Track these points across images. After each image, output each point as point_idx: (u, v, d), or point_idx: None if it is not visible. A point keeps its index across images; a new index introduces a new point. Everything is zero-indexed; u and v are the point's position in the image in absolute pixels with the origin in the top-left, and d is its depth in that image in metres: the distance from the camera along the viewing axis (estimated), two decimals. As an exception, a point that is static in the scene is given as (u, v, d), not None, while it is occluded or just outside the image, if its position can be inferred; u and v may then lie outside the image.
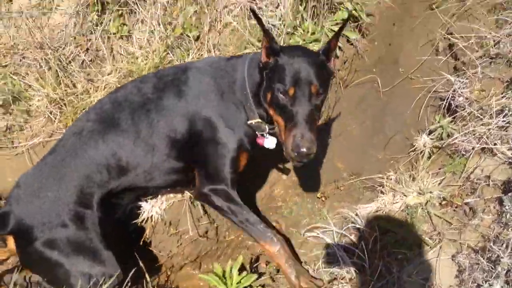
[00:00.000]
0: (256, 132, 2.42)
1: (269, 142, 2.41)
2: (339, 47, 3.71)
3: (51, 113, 3.00)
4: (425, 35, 4.12)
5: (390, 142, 3.43)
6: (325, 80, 2.23)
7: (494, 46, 3.51)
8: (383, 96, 3.77)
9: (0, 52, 3.05)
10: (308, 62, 2.17)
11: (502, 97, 3.04)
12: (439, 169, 2.94)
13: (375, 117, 3.63)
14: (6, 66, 3.03)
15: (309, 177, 3.14)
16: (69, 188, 2.32)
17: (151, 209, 2.83)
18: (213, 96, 2.38)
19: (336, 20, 3.70)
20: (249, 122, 2.38)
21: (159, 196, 2.90)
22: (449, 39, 3.82)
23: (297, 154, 2.11)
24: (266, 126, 2.40)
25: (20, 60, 3.06)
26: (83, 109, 2.96)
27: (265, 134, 2.40)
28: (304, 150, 2.08)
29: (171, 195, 2.93)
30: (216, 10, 3.39)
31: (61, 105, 2.99)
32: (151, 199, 2.88)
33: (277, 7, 3.43)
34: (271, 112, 2.26)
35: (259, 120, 2.37)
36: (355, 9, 3.82)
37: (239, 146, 2.40)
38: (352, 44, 3.89)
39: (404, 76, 3.87)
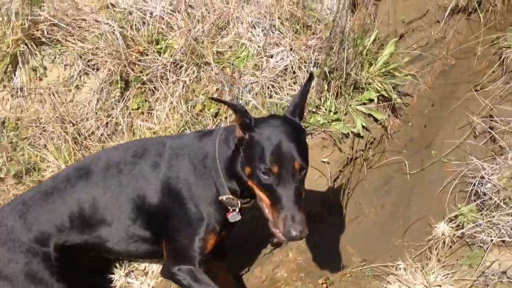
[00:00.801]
0: (229, 208, 2.29)
1: (232, 217, 2.28)
2: (366, 128, 3.59)
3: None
4: (465, 118, 3.97)
5: (411, 229, 3.22)
6: (306, 151, 2.10)
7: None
8: (410, 179, 3.59)
9: (23, 124, 3.19)
10: (287, 135, 2.03)
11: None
12: (457, 260, 2.71)
13: (397, 201, 3.45)
14: (25, 138, 3.17)
15: (315, 260, 2.97)
16: (28, 224, 2.34)
17: (140, 286, 2.76)
18: (186, 171, 2.31)
19: (362, 100, 3.62)
20: (220, 198, 2.28)
21: (147, 270, 2.83)
22: (489, 121, 3.66)
23: (288, 239, 1.99)
24: (239, 202, 2.27)
25: (41, 133, 3.19)
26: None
27: (236, 210, 2.28)
28: (297, 234, 1.95)
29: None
30: (238, 89, 3.41)
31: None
32: (140, 275, 2.82)
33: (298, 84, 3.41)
34: (251, 185, 2.13)
35: (230, 196, 2.26)
36: (384, 90, 3.72)
37: (207, 225, 2.28)
38: (381, 124, 3.76)
39: (436, 159, 3.69)
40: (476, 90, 4.21)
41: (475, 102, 4.04)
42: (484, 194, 3.03)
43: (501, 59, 4.39)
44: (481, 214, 2.86)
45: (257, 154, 2.05)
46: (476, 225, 2.75)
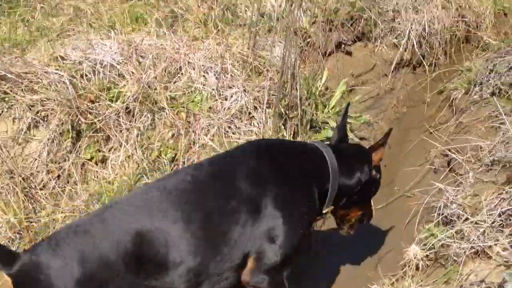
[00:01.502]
0: None
1: None
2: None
3: (10, 239, 2.86)
4: (422, 156, 4.03)
5: (383, 259, 3.12)
6: None
7: (489, 154, 3.36)
8: (377, 214, 3.52)
9: (-31, 183, 3.03)
10: None
11: (496, 198, 2.80)
12: (434, 281, 2.61)
13: (367, 237, 3.36)
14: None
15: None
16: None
17: None
18: None
19: (319, 138, 3.62)
20: None
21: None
22: (446, 155, 3.71)
23: None
24: None
25: (-12, 190, 3.02)
26: (43, 235, 2.82)
27: None
28: None
29: None
30: (194, 132, 3.36)
31: (21, 231, 2.87)
32: None
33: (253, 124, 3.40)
34: None
35: None
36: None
37: None
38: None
39: (399, 194, 3.68)
40: (430, 133, 4.33)
41: (430, 142, 4.10)
42: (451, 215, 3.00)
43: (450, 101, 4.56)
44: (450, 231, 2.81)
45: None
46: (447, 242, 2.70)
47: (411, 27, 5.13)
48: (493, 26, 5.84)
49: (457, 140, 3.84)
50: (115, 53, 3.44)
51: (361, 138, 4.30)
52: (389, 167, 4.18)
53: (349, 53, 5.10)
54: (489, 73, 4.22)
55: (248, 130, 3.43)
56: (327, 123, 3.69)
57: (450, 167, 3.61)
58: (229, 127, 3.41)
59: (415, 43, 5.16)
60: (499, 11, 5.91)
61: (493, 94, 4.18)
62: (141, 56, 3.51)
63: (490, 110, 4.02)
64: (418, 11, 5.15)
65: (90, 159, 3.28)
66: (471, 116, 4.19)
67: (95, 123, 3.25)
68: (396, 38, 5.20)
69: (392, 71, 5.08)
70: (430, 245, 2.81)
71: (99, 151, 3.30)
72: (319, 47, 4.72)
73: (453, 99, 4.55)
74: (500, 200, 2.79)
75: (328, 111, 3.78)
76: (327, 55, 4.99)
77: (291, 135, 3.52)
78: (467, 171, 3.25)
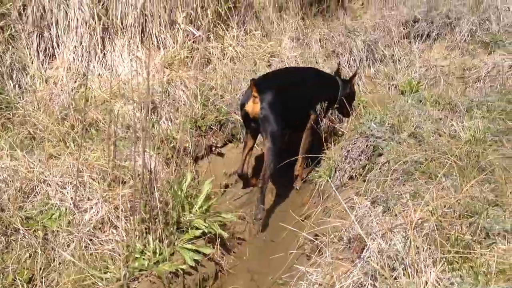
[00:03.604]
0: None
1: None
2: (197, 263, 3.56)
3: None
4: (295, 242, 4.14)
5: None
6: None
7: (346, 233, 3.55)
8: (253, 307, 3.54)
9: None
10: None
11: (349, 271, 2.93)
12: None
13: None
14: None
15: None
16: None
17: None
18: None
19: (187, 238, 3.64)
20: None
21: None
22: (314, 240, 3.85)
23: None
24: None
25: None
26: None
27: None
28: None
29: None
30: (53, 249, 3.27)
31: None
32: None
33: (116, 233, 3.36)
34: None
35: None
36: (211, 227, 3.81)
37: None
38: (213, 260, 3.76)
39: (272, 283, 3.72)
40: (302, 220, 4.50)
41: (301, 229, 4.25)
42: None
43: (317, 188, 4.82)
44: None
45: None
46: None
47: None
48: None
49: (323, 223, 4.03)
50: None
51: (235, 232, 4.39)
52: (265, 255, 4.30)
53: (221, 154, 5.33)
54: (345, 159, 4.54)
55: (110, 239, 3.39)
56: (195, 222, 3.73)
57: (318, 249, 3.76)
58: (91, 240, 3.35)
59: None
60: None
61: (351, 177, 4.49)
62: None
63: (348, 193, 4.31)
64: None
65: None
66: (333, 200, 4.44)
67: None
68: (264, 136, 5.51)
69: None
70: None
71: None
72: (189, 152, 4.90)
73: (319, 186, 4.82)
74: (351, 273, 2.92)
75: (196, 211, 3.84)
76: (199, 158, 5.18)
77: (157, 239, 3.51)
78: (325, 248, 3.41)
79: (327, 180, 4.74)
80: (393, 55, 7.36)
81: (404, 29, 7.45)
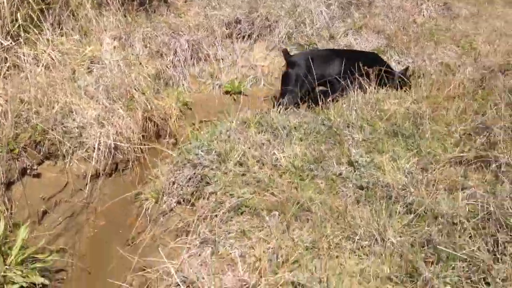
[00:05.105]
0: None
1: None
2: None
3: None
4: (123, 277, 4.03)
5: None
6: None
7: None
8: None
9: None
10: None
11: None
12: None
13: None
14: None
15: None
16: None
17: None
18: None
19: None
20: None
21: None
22: (143, 275, 3.78)
23: None
24: None
25: None
26: None
27: None
28: None
29: None
30: None
31: None
32: None
33: None
34: None
35: None
36: (28, 276, 3.51)
37: None
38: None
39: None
40: (128, 245, 4.40)
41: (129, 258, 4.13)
42: None
43: (144, 210, 4.73)
44: None
45: None
46: None
47: (100, 140, 5.20)
48: (179, 119, 6.40)
49: (153, 255, 3.95)
50: None
51: (58, 271, 4.12)
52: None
53: (37, 176, 4.90)
54: (172, 184, 4.51)
55: None
56: (9, 275, 3.40)
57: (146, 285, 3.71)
58: None
59: (106, 155, 5.26)
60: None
61: (179, 202, 4.48)
62: None
63: (177, 220, 4.30)
64: (103, 125, 5.25)
65: None
66: (162, 227, 4.40)
67: None
68: (86, 151, 5.21)
69: (86, 184, 5.07)
70: None
71: None
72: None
73: (146, 208, 4.74)
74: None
75: (13, 260, 3.51)
76: (12, 183, 4.71)
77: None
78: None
79: (155, 203, 4.69)
80: (216, 54, 7.42)
81: (227, 29, 7.52)
